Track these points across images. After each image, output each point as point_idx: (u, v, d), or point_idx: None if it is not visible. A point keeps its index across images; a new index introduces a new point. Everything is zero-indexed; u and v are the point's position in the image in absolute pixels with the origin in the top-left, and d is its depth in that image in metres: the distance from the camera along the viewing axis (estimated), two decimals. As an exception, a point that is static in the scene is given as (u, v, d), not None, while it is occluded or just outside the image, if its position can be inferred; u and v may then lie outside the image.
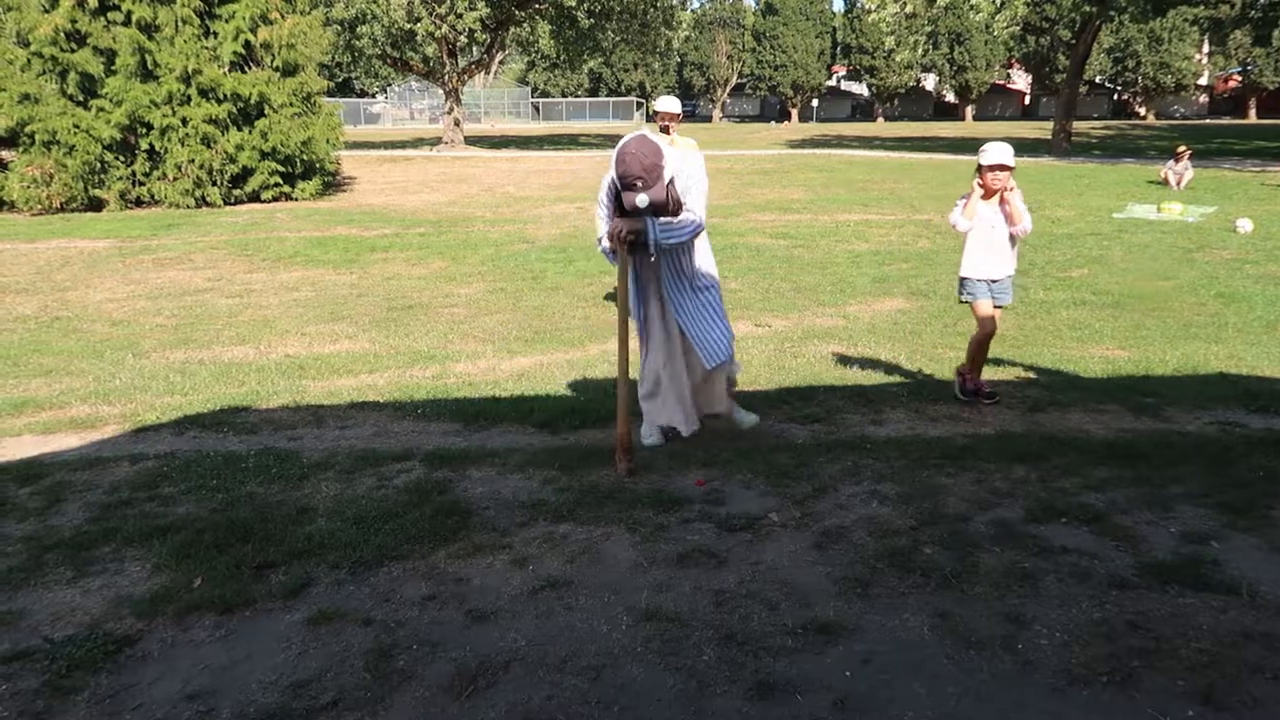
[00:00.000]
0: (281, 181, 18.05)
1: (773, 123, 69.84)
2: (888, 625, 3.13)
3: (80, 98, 16.79)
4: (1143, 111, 70.69)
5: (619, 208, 4.45)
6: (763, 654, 2.97)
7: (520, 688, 2.84)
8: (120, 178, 17.03)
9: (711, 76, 77.91)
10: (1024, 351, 6.78)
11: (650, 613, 3.23)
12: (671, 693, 2.80)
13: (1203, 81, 70.79)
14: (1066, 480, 4.36)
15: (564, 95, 79.21)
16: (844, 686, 2.80)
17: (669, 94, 7.21)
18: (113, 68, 16.80)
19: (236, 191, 17.77)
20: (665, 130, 7.13)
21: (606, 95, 78.86)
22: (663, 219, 4.45)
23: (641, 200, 4.25)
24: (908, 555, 3.61)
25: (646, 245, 4.48)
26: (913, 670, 2.89)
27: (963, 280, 5.62)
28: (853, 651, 2.99)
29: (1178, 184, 18.22)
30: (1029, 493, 4.21)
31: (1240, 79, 69.53)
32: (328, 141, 18.87)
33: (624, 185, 4.28)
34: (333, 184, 20.27)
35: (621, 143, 4.32)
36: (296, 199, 18.25)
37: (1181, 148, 19.31)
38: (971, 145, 35.43)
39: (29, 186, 16.27)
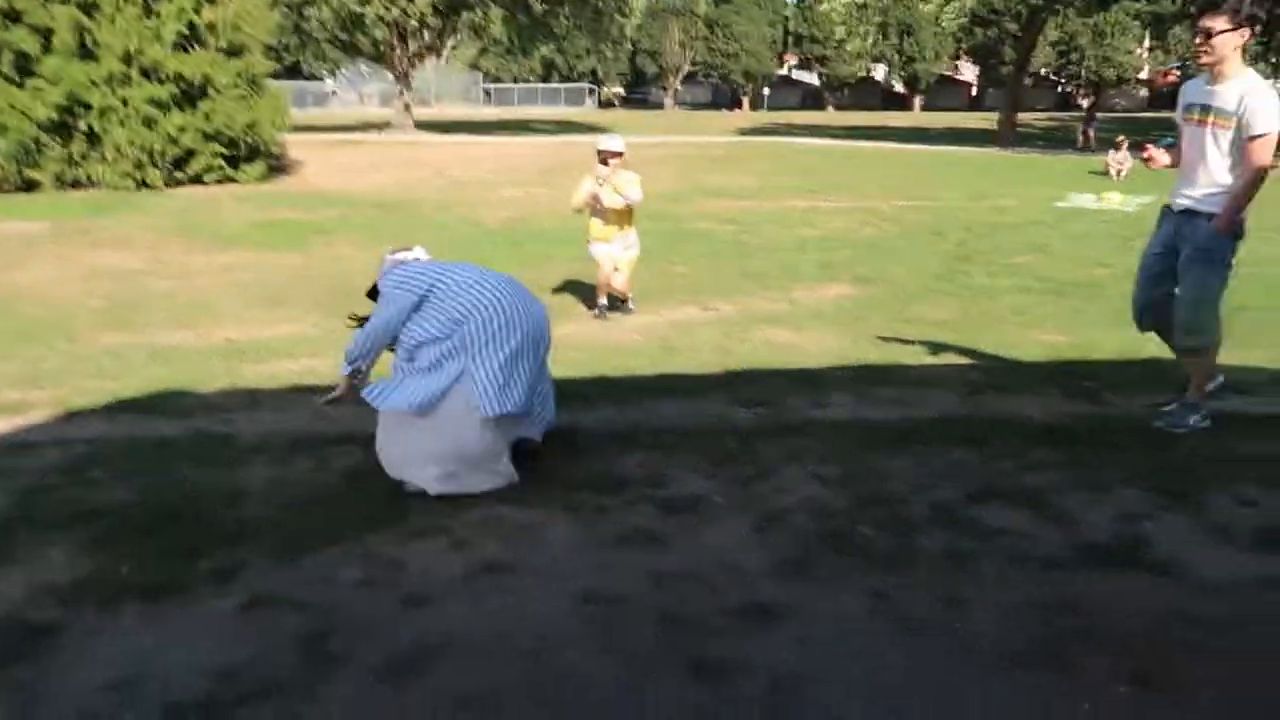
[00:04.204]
0: (225, 164, 17.64)
1: (725, 110, 69.91)
2: (826, 607, 3.13)
3: (16, 77, 16.28)
4: (1085, 104, 71.85)
5: None
6: (701, 635, 2.96)
7: (456, 671, 2.79)
8: (56, 159, 16.56)
9: (664, 64, 77.66)
10: (965, 335, 6.83)
11: (590, 595, 3.20)
12: (610, 674, 2.77)
13: (1143, 75, 72.07)
14: (1005, 462, 4.40)
15: (516, 81, 78.47)
16: (782, 667, 2.80)
17: (611, 135, 7.12)
18: (50, 46, 16.31)
19: (178, 174, 17.32)
20: (604, 163, 7.06)
21: (559, 81, 78.29)
22: None
23: None
24: (847, 537, 3.61)
25: None
26: (851, 652, 2.89)
27: None
28: (791, 633, 2.98)
29: (1117, 174, 18.55)
30: (968, 475, 4.24)
31: (1179, 74, 70.88)
32: (273, 124, 18.51)
33: None
34: (278, 167, 19.87)
35: None
36: (240, 182, 17.87)
37: (1120, 138, 19.67)
38: (921, 135, 35.75)
39: (-42, 167, 15.76)
